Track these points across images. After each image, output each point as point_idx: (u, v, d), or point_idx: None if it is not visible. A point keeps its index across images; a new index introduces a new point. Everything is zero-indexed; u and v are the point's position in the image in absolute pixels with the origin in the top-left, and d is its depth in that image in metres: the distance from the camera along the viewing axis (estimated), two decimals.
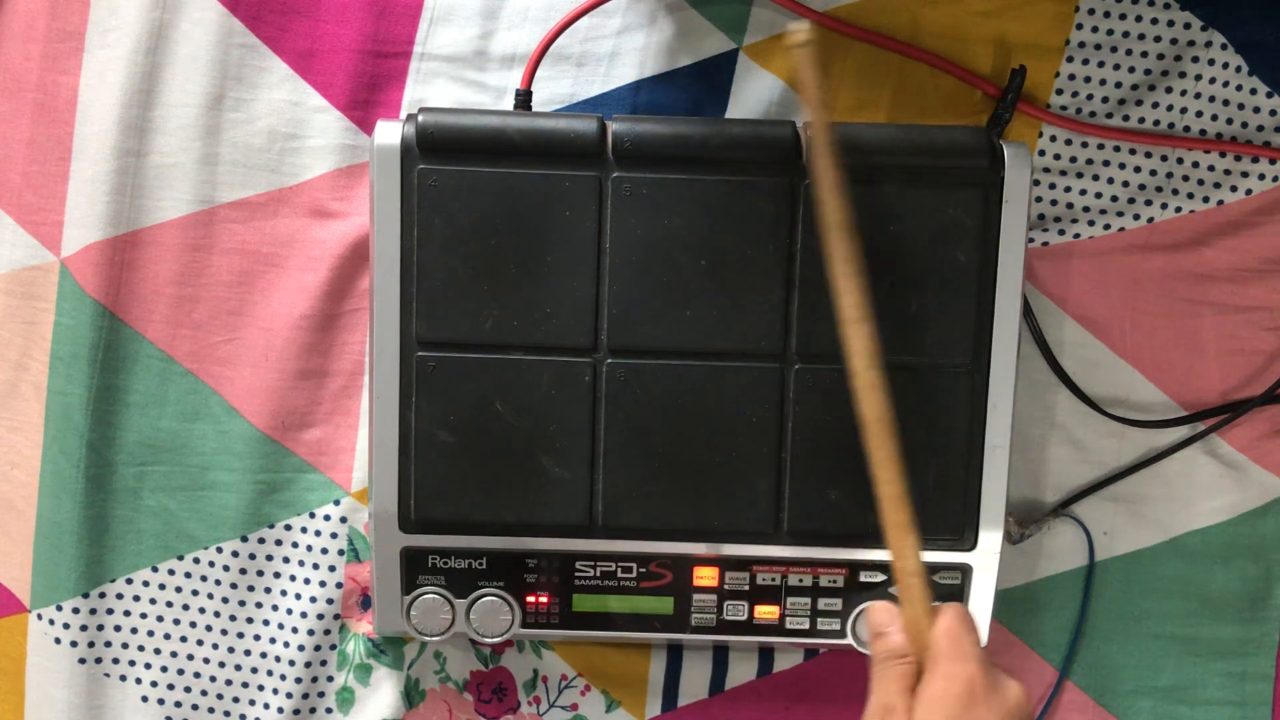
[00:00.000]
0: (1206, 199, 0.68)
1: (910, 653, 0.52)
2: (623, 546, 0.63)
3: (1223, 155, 0.68)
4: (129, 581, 0.69)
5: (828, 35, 0.67)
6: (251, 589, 0.69)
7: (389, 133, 0.60)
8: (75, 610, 0.68)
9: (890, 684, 0.52)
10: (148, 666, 0.69)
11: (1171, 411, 0.69)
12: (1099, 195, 0.68)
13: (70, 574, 0.68)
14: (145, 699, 0.69)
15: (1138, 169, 0.68)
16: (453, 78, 0.68)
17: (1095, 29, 0.67)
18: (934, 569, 0.64)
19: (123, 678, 0.69)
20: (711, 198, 0.60)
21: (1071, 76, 0.67)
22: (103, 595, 0.69)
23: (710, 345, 0.61)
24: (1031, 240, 0.68)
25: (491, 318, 0.61)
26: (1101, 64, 0.67)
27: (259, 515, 0.69)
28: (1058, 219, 0.69)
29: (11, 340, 0.68)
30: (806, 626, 0.64)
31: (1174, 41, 0.67)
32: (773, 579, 0.64)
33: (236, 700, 0.69)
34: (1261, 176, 0.68)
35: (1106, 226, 0.69)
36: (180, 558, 0.69)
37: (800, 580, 0.64)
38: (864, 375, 0.53)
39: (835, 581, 0.64)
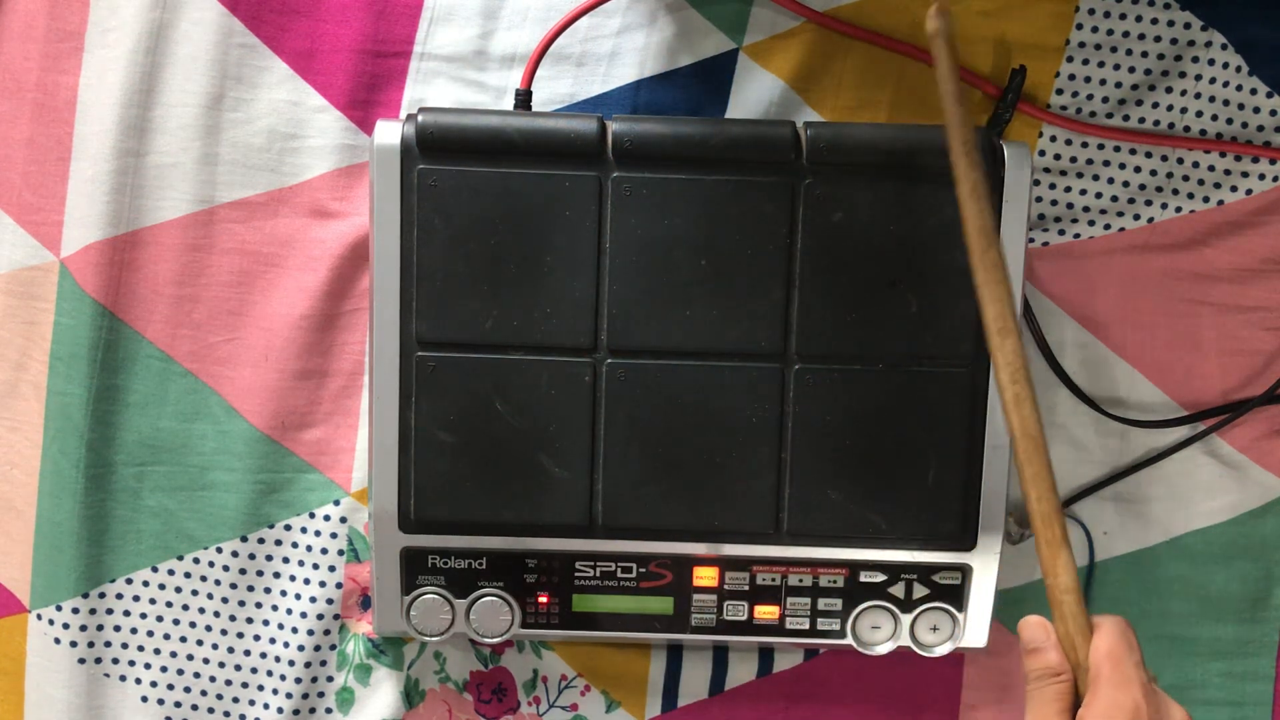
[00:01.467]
0: (1206, 199, 0.68)
1: (1066, 670, 0.50)
2: (623, 546, 0.63)
3: (1223, 155, 0.68)
4: (129, 581, 0.69)
5: (828, 35, 0.67)
6: (251, 589, 0.69)
7: (389, 133, 0.60)
8: (75, 610, 0.68)
9: (1047, 705, 0.49)
10: (148, 666, 0.69)
11: (1171, 411, 0.69)
12: (1099, 195, 0.68)
13: (70, 574, 0.68)
14: (145, 699, 0.69)
15: (1138, 169, 0.68)
16: (453, 78, 0.68)
17: (1095, 29, 0.67)
18: (933, 569, 0.64)
19: (123, 678, 0.69)
20: (711, 198, 0.60)
21: (1071, 76, 0.67)
22: (103, 595, 0.69)
23: (710, 345, 0.61)
24: (1031, 240, 0.68)
25: (491, 318, 0.61)
26: (1101, 64, 0.67)
27: (259, 515, 0.69)
28: (1058, 219, 0.69)
29: (11, 340, 0.68)
30: (806, 626, 0.64)
31: (1174, 41, 0.67)
32: (773, 579, 0.64)
33: (236, 700, 0.69)
34: (1261, 176, 0.68)
35: (1106, 226, 0.69)
36: (180, 558, 0.69)
37: (800, 580, 0.64)
38: (1010, 389, 0.51)
39: (835, 581, 0.64)
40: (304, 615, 0.69)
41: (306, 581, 0.69)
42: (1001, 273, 0.51)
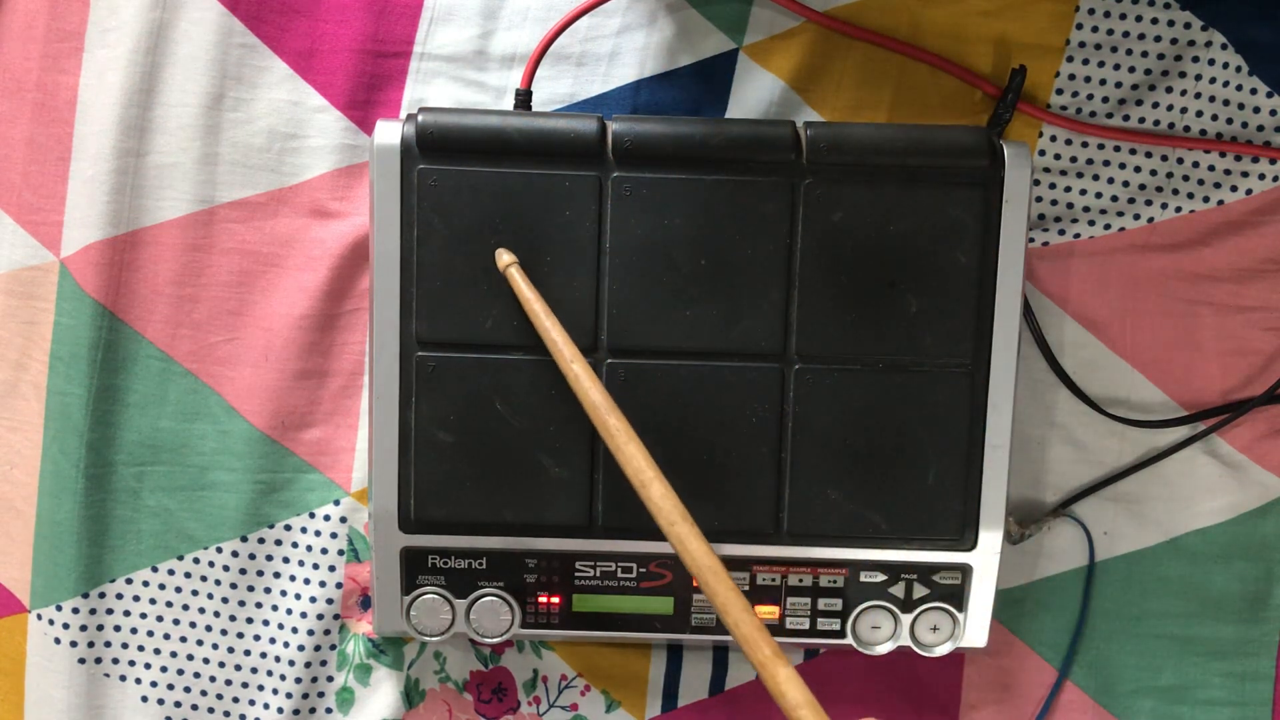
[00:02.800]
0: (1206, 199, 0.68)
1: None
2: (623, 546, 0.63)
3: (1223, 155, 0.68)
4: (129, 581, 0.69)
5: (828, 35, 0.67)
6: (251, 589, 0.69)
7: (389, 132, 0.60)
8: (75, 610, 0.68)
9: None
10: (148, 666, 0.69)
11: (1171, 411, 0.69)
12: (1099, 195, 0.68)
13: (70, 574, 0.68)
14: (145, 699, 0.69)
15: (1138, 169, 0.68)
16: (453, 77, 0.68)
17: (1095, 29, 0.67)
18: (934, 569, 0.64)
19: (123, 678, 0.69)
20: (711, 198, 0.60)
21: (1071, 76, 0.67)
22: (103, 595, 0.69)
23: (710, 345, 0.61)
24: (1031, 240, 0.68)
25: (491, 318, 0.61)
26: (1101, 64, 0.67)
27: (259, 515, 0.69)
28: (1058, 219, 0.69)
29: (11, 340, 0.68)
30: (806, 626, 0.64)
31: (1174, 41, 0.67)
32: (773, 579, 0.64)
33: (236, 700, 0.69)
34: (1261, 176, 0.68)
35: (1106, 226, 0.69)
36: (180, 558, 0.69)
37: (800, 580, 0.64)
38: (672, 531, 0.51)
39: (835, 581, 0.64)
40: (304, 615, 0.69)
41: (306, 581, 0.69)
42: (626, 435, 0.53)
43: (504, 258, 0.59)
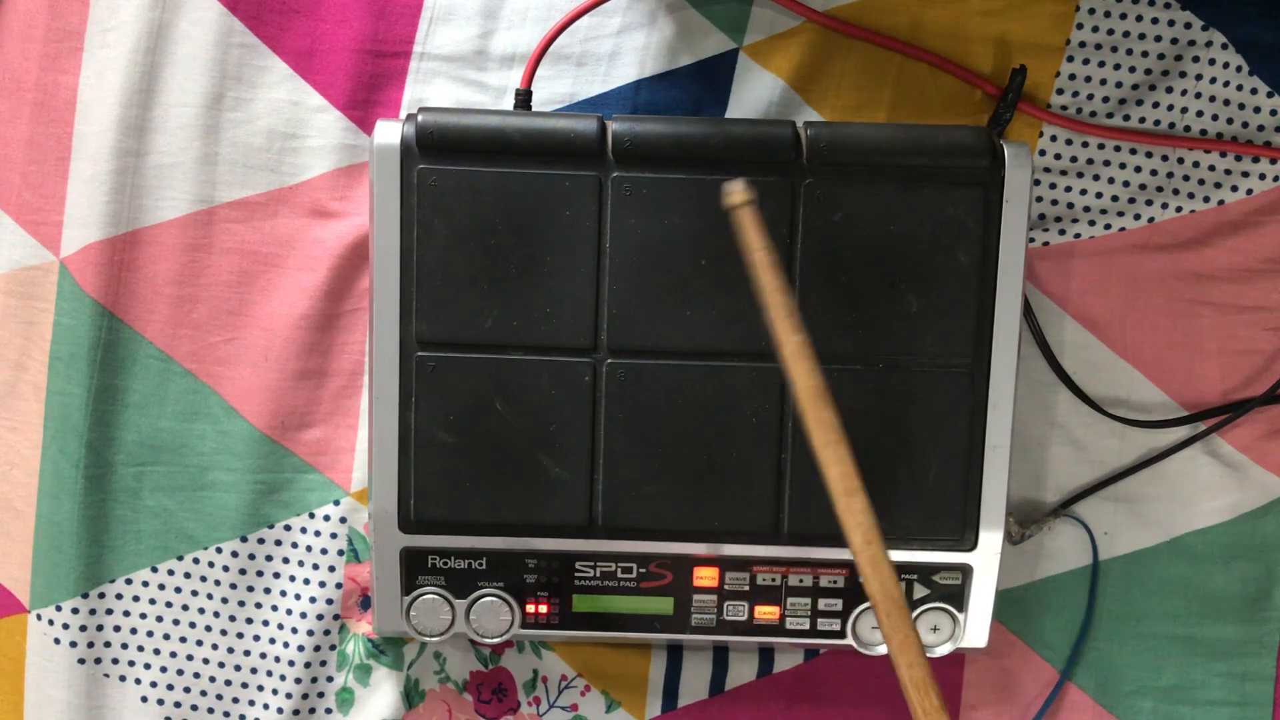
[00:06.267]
0: (1206, 199, 0.68)
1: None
2: (623, 546, 0.63)
3: (1223, 155, 0.68)
4: (129, 582, 0.69)
5: (828, 35, 0.67)
6: (251, 589, 0.69)
7: (389, 132, 0.60)
8: (75, 610, 0.68)
9: None
10: (147, 666, 0.69)
11: (1171, 411, 0.69)
12: (1099, 195, 0.68)
13: (70, 574, 0.68)
14: (145, 699, 0.69)
15: (1138, 169, 0.68)
16: (453, 77, 0.68)
17: (1095, 29, 0.67)
18: (934, 569, 0.64)
19: (122, 678, 0.69)
20: (711, 198, 0.60)
21: (1072, 76, 0.67)
22: (102, 595, 0.69)
23: (710, 345, 0.61)
24: (1031, 240, 0.68)
25: (491, 318, 0.61)
26: (1102, 64, 0.67)
27: (259, 515, 0.69)
28: (1058, 219, 0.68)
29: (11, 340, 0.68)
30: (806, 627, 0.64)
31: (1174, 41, 0.67)
32: (773, 579, 0.64)
33: (236, 700, 0.69)
34: (1262, 176, 0.68)
35: (1107, 226, 0.69)
36: (180, 558, 0.69)
37: (800, 580, 0.64)
38: (865, 551, 0.49)
39: (835, 581, 0.64)
40: (304, 615, 0.69)
41: (306, 582, 0.69)
42: (837, 433, 0.50)
43: (735, 195, 0.52)
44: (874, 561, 0.48)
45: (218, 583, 0.69)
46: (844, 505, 0.49)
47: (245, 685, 0.69)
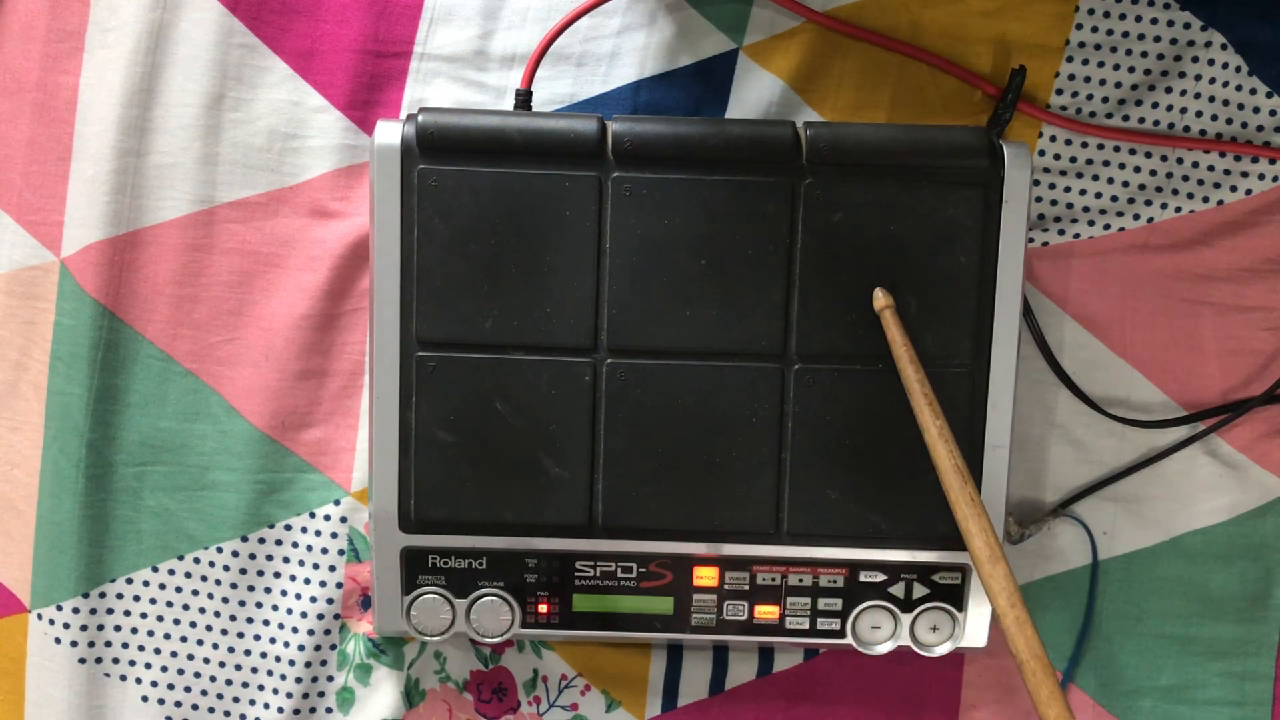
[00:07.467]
0: (1206, 199, 0.68)
1: None
2: (623, 546, 0.63)
3: (1223, 155, 0.68)
4: (129, 581, 0.69)
5: (828, 35, 0.67)
6: (251, 589, 0.69)
7: (389, 133, 0.60)
8: (75, 610, 0.68)
9: None
10: (148, 666, 0.69)
11: (1171, 411, 0.69)
12: (1099, 195, 0.68)
13: (70, 574, 0.68)
14: (145, 699, 0.69)
15: (1138, 169, 0.68)
16: (453, 78, 0.68)
17: (1095, 29, 0.67)
18: (934, 569, 0.64)
19: (123, 678, 0.69)
20: (711, 198, 0.60)
21: (1071, 76, 0.67)
22: (103, 595, 0.69)
23: (710, 345, 0.61)
24: (1031, 240, 0.68)
25: (491, 318, 0.61)
26: (1101, 64, 0.67)
27: (259, 515, 0.69)
28: (1058, 219, 0.69)
29: (11, 340, 0.68)
30: (806, 626, 0.64)
31: (1174, 41, 0.67)
32: (773, 579, 0.64)
33: (236, 700, 0.69)
34: (1261, 176, 0.68)
35: (1106, 226, 0.69)
36: (180, 558, 0.69)
37: (800, 580, 0.64)
38: (1010, 614, 0.54)
39: (835, 581, 0.64)
40: (304, 615, 0.69)
41: (307, 581, 0.69)
42: (980, 506, 0.56)
43: (881, 299, 0.60)
44: (1019, 623, 0.54)
45: (218, 582, 0.69)
46: (988, 572, 0.55)
47: (246, 685, 0.69)
